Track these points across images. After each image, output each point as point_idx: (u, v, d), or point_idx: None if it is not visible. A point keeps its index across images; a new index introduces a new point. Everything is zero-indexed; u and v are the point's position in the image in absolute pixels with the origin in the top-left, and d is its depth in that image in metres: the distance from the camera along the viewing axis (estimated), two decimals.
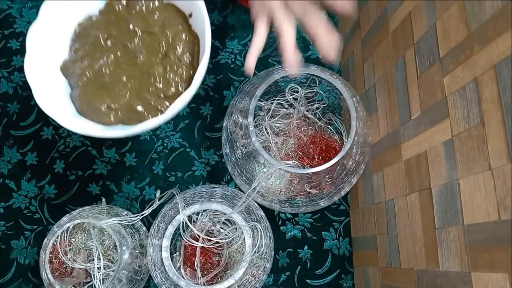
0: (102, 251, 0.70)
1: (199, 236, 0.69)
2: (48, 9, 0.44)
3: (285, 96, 0.74)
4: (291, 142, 0.75)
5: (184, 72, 0.45)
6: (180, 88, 0.45)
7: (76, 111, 0.45)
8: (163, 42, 0.46)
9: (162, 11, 0.46)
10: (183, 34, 0.46)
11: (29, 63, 0.43)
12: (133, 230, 0.75)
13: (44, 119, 0.85)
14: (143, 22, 0.46)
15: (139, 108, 0.44)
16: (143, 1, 0.46)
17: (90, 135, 0.43)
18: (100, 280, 0.67)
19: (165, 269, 0.63)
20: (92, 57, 0.45)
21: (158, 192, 0.69)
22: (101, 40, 0.46)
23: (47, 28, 0.44)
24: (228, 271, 0.71)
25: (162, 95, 0.45)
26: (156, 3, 0.46)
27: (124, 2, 0.47)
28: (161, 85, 0.45)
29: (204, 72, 0.43)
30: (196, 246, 0.71)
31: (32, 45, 0.43)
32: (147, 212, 0.67)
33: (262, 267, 0.69)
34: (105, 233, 0.72)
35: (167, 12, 0.46)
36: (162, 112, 0.44)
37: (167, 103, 0.44)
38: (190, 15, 0.46)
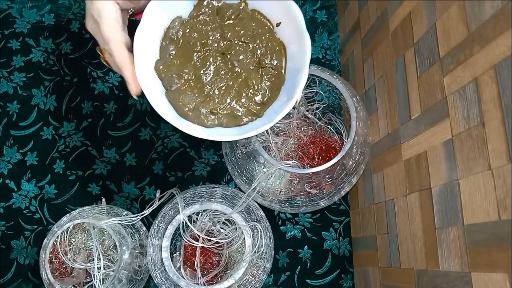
0: (102, 251, 0.70)
1: (199, 236, 0.69)
2: (151, 12, 0.46)
3: None
4: (291, 142, 0.75)
5: (275, 79, 0.49)
6: (273, 94, 0.49)
7: (177, 113, 0.48)
8: (257, 52, 0.49)
9: (250, 21, 0.49)
10: (272, 43, 0.49)
11: (139, 67, 0.45)
12: (133, 230, 0.75)
13: (44, 119, 0.85)
14: (236, 32, 0.49)
15: (239, 113, 0.48)
16: (231, 10, 0.49)
17: (201, 137, 0.46)
18: (100, 280, 0.67)
19: (165, 269, 0.63)
20: (189, 63, 0.48)
21: (158, 192, 0.69)
22: (199, 47, 0.48)
23: (147, 31, 0.46)
24: (228, 271, 0.71)
25: (259, 101, 0.48)
26: (243, 10, 0.49)
27: (214, 9, 0.49)
28: (258, 92, 0.48)
29: (305, 82, 0.46)
30: (196, 246, 0.71)
31: (139, 50, 0.45)
32: (147, 212, 0.67)
33: (262, 267, 0.69)
34: (105, 233, 0.72)
35: (254, 21, 0.49)
36: (257, 116, 0.48)
37: (261, 108, 0.48)
38: (278, 24, 0.48)
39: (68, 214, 0.73)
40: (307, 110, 0.76)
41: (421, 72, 0.56)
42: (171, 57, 0.48)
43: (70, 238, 0.71)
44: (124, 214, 0.74)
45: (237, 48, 0.48)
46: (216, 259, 0.73)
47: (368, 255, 0.73)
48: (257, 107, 0.48)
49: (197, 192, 0.70)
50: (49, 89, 0.86)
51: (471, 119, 0.45)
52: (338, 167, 0.69)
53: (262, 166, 0.72)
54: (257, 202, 0.72)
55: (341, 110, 0.77)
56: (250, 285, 0.68)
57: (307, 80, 0.72)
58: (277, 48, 0.49)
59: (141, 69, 0.45)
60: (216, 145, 0.84)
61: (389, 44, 0.66)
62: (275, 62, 0.48)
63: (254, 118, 0.48)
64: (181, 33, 0.48)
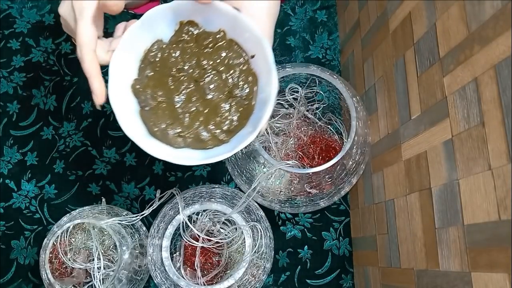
0: (102, 251, 0.70)
1: (199, 236, 0.69)
2: (132, 32, 0.48)
3: (285, 96, 0.74)
4: (291, 142, 0.75)
5: (244, 109, 0.50)
6: (240, 123, 0.50)
7: (148, 132, 0.50)
8: (229, 81, 0.50)
9: (227, 50, 0.50)
10: (246, 74, 0.50)
11: (112, 85, 0.47)
12: (133, 230, 0.75)
13: (44, 119, 0.85)
14: (212, 60, 0.50)
15: (204, 138, 0.50)
16: (210, 38, 0.50)
17: (166, 160, 0.47)
18: (100, 280, 0.67)
19: (165, 269, 0.63)
20: (164, 86, 0.50)
21: (158, 192, 0.69)
22: (175, 72, 0.50)
23: (127, 50, 0.48)
24: (228, 271, 0.71)
25: (225, 128, 0.50)
26: (221, 39, 0.50)
27: (193, 36, 0.51)
28: (225, 121, 0.50)
29: (270, 114, 0.47)
30: (196, 246, 0.71)
31: (115, 68, 0.47)
32: (147, 212, 0.67)
33: (262, 267, 0.69)
34: (105, 233, 0.72)
35: (231, 51, 0.50)
36: (223, 142, 0.50)
37: (228, 136, 0.50)
38: (253, 56, 0.50)
39: (68, 214, 0.73)
40: (307, 110, 0.76)
41: (421, 72, 0.56)
42: (148, 78, 0.50)
43: (70, 238, 0.71)
44: (124, 214, 0.74)
45: (211, 77, 0.50)
46: (216, 259, 0.73)
47: (368, 255, 0.73)
48: (223, 134, 0.50)
49: (197, 192, 0.70)
50: (49, 89, 0.86)
51: (471, 119, 0.45)
52: (338, 167, 0.69)
53: (262, 166, 0.72)
54: (257, 202, 0.72)
55: (341, 110, 0.77)
56: (250, 285, 0.68)
57: (307, 80, 0.73)
58: (250, 78, 0.50)
59: (114, 87, 0.47)
60: None
61: (389, 44, 0.66)
62: (245, 93, 0.50)
63: (219, 144, 0.50)
64: (160, 56, 0.50)
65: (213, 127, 0.50)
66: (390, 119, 0.66)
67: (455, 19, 0.49)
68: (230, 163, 0.75)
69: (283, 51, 0.89)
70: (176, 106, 0.50)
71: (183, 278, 0.64)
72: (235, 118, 0.50)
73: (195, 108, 0.50)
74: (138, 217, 0.68)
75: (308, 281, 0.80)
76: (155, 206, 0.68)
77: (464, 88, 0.47)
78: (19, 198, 0.82)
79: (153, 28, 0.49)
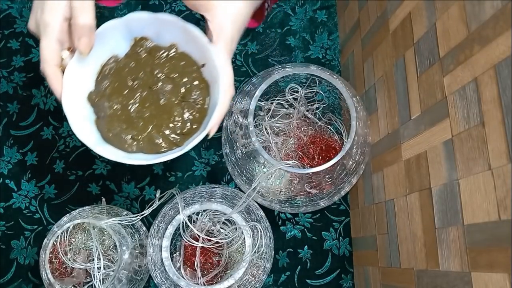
0: (102, 251, 0.70)
1: (199, 236, 0.69)
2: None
3: (285, 96, 0.74)
4: (291, 142, 0.75)
5: (197, 113, 0.53)
6: (194, 127, 0.53)
7: (102, 138, 0.52)
8: (182, 87, 0.53)
9: (179, 60, 0.53)
10: (197, 81, 0.53)
11: (66, 96, 0.49)
12: (133, 230, 0.75)
13: (44, 119, 0.85)
14: (165, 69, 0.54)
15: (158, 141, 0.52)
16: (162, 50, 0.53)
17: (118, 161, 0.50)
18: (100, 280, 0.67)
19: (165, 269, 0.63)
20: (119, 94, 0.53)
21: (158, 192, 0.69)
22: (129, 81, 0.53)
23: (80, 64, 0.50)
24: (228, 271, 0.71)
25: (178, 131, 0.53)
26: (173, 52, 0.54)
27: (147, 50, 0.54)
28: (178, 124, 0.53)
29: (219, 117, 0.50)
30: (196, 246, 0.71)
31: (68, 80, 0.49)
32: (147, 212, 0.67)
33: (262, 267, 0.69)
34: (105, 233, 0.72)
35: (183, 61, 0.54)
36: (177, 145, 0.52)
37: (182, 139, 0.53)
38: (203, 65, 0.53)
39: (68, 214, 0.73)
40: (307, 110, 0.76)
41: (421, 72, 0.56)
42: (103, 89, 0.52)
43: (70, 238, 0.71)
44: (124, 214, 0.74)
45: (164, 83, 0.53)
46: (216, 259, 0.73)
47: (368, 255, 0.73)
48: (177, 137, 0.52)
49: (197, 192, 0.70)
50: (49, 89, 0.86)
51: (471, 119, 0.45)
52: (338, 167, 0.69)
53: (262, 166, 0.72)
54: (257, 202, 0.72)
55: (341, 110, 0.77)
56: (250, 285, 0.68)
57: (307, 80, 0.73)
58: (202, 85, 0.53)
59: (69, 99, 0.49)
60: (216, 145, 0.84)
61: (389, 44, 0.66)
62: (199, 99, 0.53)
63: (173, 147, 0.52)
64: (115, 68, 0.53)
65: (167, 130, 0.52)
66: (390, 119, 0.66)
67: (455, 19, 0.49)
68: (230, 163, 0.75)
69: (283, 51, 0.89)
70: (130, 111, 0.52)
71: (183, 278, 0.64)
72: (188, 122, 0.52)
73: (148, 113, 0.53)
74: (138, 217, 0.68)
75: (308, 281, 0.80)
76: (155, 206, 0.68)
77: (464, 88, 0.47)
78: (19, 198, 0.82)
79: (107, 42, 0.51)
